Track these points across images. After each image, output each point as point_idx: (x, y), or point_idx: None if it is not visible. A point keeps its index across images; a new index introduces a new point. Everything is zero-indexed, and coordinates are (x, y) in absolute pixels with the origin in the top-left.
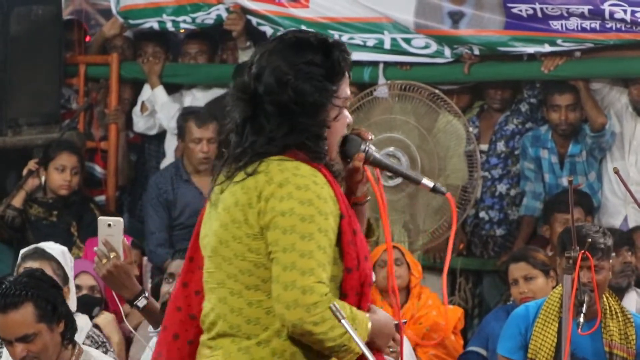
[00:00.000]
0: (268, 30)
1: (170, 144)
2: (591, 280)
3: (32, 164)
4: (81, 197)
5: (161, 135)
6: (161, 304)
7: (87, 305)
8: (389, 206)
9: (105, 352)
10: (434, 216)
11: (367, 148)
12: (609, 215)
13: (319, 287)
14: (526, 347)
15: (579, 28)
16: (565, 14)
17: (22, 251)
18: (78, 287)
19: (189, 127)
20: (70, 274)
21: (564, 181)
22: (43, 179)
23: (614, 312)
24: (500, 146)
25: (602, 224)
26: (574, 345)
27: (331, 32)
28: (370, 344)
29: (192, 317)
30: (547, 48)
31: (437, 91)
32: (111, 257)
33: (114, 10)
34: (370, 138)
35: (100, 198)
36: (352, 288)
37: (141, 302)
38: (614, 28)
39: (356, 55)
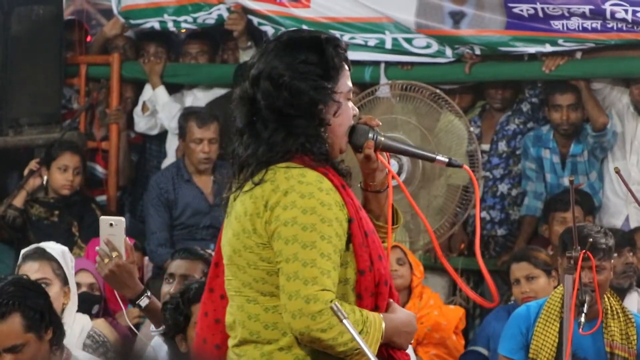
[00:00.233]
0: (269, 30)
1: (172, 144)
2: (592, 280)
3: (33, 164)
4: (82, 197)
5: (162, 135)
6: (162, 304)
7: (86, 302)
8: None
9: (106, 352)
10: (435, 216)
11: (375, 135)
12: (611, 215)
13: (323, 294)
14: (527, 347)
15: (580, 28)
16: (567, 14)
17: (23, 251)
18: (77, 285)
19: (189, 127)
20: (71, 274)
21: (566, 181)
22: (45, 178)
23: (615, 313)
24: (502, 146)
25: (604, 223)
26: (575, 346)
27: (332, 32)
28: (389, 343)
29: (217, 321)
30: (548, 48)
31: (438, 91)
32: (113, 256)
33: (115, 10)
34: (377, 124)
35: (102, 198)
36: (367, 289)
37: (143, 302)
38: (615, 28)
39: (357, 55)
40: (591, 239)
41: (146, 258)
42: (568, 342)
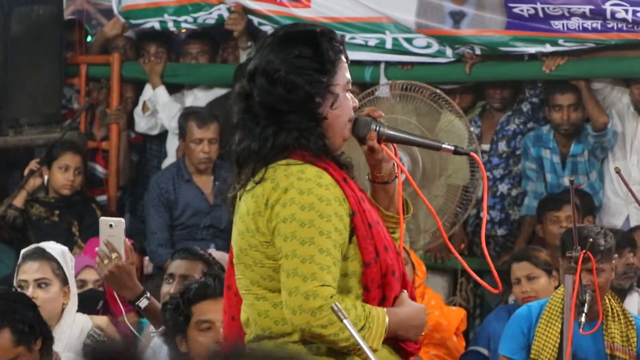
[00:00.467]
0: (269, 30)
1: (172, 144)
2: (592, 281)
3: (33, 164)
4: (83, 197)
5: (163, 135)
6: (162, 304)
7: (93, 298)
8: None
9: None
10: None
11: (377, 126)
12: (611, 215)
13: (323, 290)
14: (528, 347)
15: (581, 28)
16: (567, 14)
17: (23, 251)
18: (84, 282)
19: (189, 127)
20: (71, 273)
21: (566, 181)
22: (46, 178)
23: (615, 314)
24: (502, 146)
25: (604, 223)
26: (576, 347)
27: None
28: (396, 337)
29: (233, 318)
30: (548, 48)
31: (438, 91)
32: (113, 257)
33: (115, 10)
34: (380, 116)
35: (102, 198)
36: (373, 281)
37: (143, 303)
38: (615, 28)
39: (357, 55)
40: (591, 239)
41: (146, 258)
42: (568, 342)
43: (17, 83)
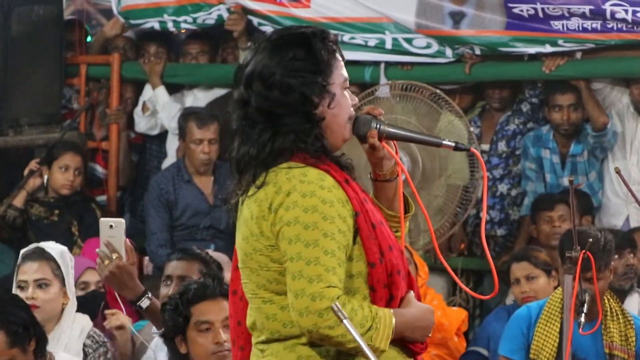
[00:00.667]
0: (269, 30)
1: (172, 144)
2: (591, 282)
3: (33, 164)
4: (82, 197)
5: (162, 135)
6: (161, 305)
7: (96, 299)
8: None
9: (106, 352)
10: (434, 216)
11: (378, 124)
12: (611, 215)
13: (329, 291)
14: (528, 347)
15: (580, 28)
16: (567, 14)
17: (22, 251)
18: (86, 284)
19: (189, 128)
20: (70, 273)
21: (565, 181)
22: (46, 178)
23: (614, 314)
24: (502, 146)
25: (604, 224)
26: (575, 347)
27: (332, 32)
28: (403, 338)
29: (239, 323)
30: (548, 48)
31: (438, 91)
32: (113, 258)
33: (115, 10)
34: (380, 113)
35: (102, 198)
36: (379, 281)
37: (144, 303)
38: (615, 28)
39: (357, 55)
40: (591, 239)
41: (146, 258)
42: (568, 342)
43: (17, 83)
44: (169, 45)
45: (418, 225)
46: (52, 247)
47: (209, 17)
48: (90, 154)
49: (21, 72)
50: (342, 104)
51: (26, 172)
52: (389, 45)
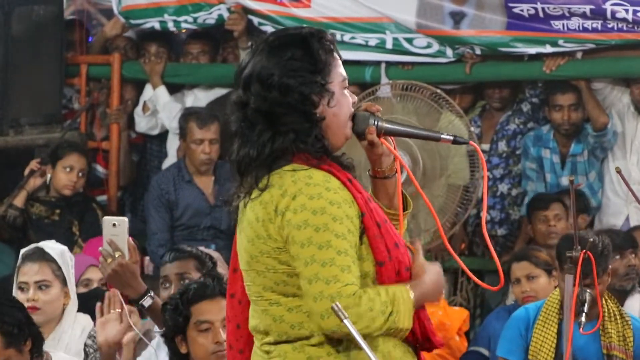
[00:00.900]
0: (270, 30)
1: (172, 144)
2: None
3: (33, 164)
4: (84, 197)
5: (163, 135)
6: (162, 305)
7: (99, 297)
8: None
9: None
10: None
11: (376, 121)
12: (611, 215)
13: (346, 289)
14: (526, 348)
15: (581, 28)
16: (567, 14)
17: (22, 251)
18: (89, 281)
19: (190, 128)
20: (71, 273)
21: (564, 181)
22: (49, 177)
23: (612, 315)
24: (502, 146)
25: (604, 223)
26: (573, 348)
27: (333, 31)
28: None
29: (238, 326)
30: (548, 49)
31: (439, 91)
32: (116, 256)
33: (115, 10)
34: (378, 110)
35: (102, 198)
36: (389, 279)
37: (146, 302)
38: (615, 28)
39: (358, 55)
40: (591, 239)
41: (147, 258)
42: (568, 343)
43: (17, 83)
44: (169, 45)
45: (418, 225)
46: (52, 247)
47: (209, 17)
48: (90, 154)
49: (22, 72)
50: (342, 102)
51: (27, 172)
52: (389, 45)
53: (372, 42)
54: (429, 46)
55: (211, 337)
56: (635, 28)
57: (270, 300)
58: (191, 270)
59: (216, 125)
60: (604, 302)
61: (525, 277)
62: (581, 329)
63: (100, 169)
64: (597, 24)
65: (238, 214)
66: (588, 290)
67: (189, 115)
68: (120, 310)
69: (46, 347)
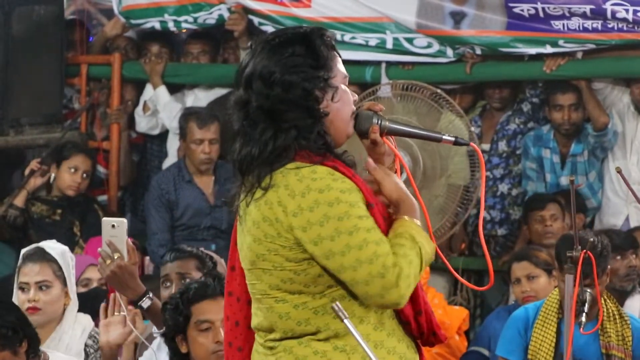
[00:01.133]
0: (270, 30)
1: (173, 143)
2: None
3: (34, 164)
4: (85, 197)
5: (163, 135)
6: (162, 305)
7: (98, 298)
8: None
9: None
10: (435, 216)
11: (379, 120)
12: (610, 215)
13: (387, 260)
14: (526, 348)
15: (581, 28)
16: (567, 14)
17: (23, 251)
18: (89, 280)
19: (190, 128)
20: (71, 273)
21: (564, 180)
22: (53, 176)
23: (611, 315)
24: (502, 146)
25: (604, 223)
26: (573, 347)
27: (333, 31)
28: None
29: (237, 324)
30: (548, 49)
31: (439, 91)
32: (115, 257)
33: (115, 10)
34: (380, 109)
35: (103, 198)
36: None
37: (145, 303)
38: (615, 28)
39: (358, 55)
40: (592, 239)
41: (147, 258)
42: (569, 343)
43: (17, 83)
44: (171, 45)
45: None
46: (53, 248)
47: (209, 17)
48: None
49: (22, 71)
50: (345, 98)
51: (27, 171)
52: (389, 45)
53: (373, 42)
54: (429, 46)
55: (211, 336)
56: (636, 28)
57: (277, 297)
58: (192, 270)
59: (216, 125)
60: (603, 302)
61: (525, 277)
62: (581, 328)
63: (100, 169)
64: (597, 24)
65: (241, 214)
66: (588, 290)
67: (188, 115)
68: (124, 314)
69: (46, 347)
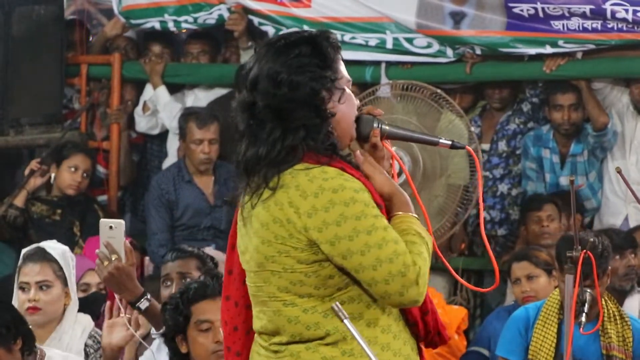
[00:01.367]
0: (270, 30)
1: (173, 143)
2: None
3: (34, 164)
4: (85, 197)
5: (163, 135)
6: (162, 305)
7: (96, 302)
8: None
9: None
10: (435, 216)
11: (379, 123)
12: (610, 214)
13: (406, 259)
14: (526, 348)
15: (581, 28)
16: (567, 14)
17: (24, 251)
18: (87, 285)
19: (189, 128)
20: (72, 273)
21: (562, 180)
22: (53, 176)
23: (612, 315)
24: (502, 146)
25: (603, 223)
26: (573, 348)
27: (333, 31)
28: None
29: (235, 329)
30: (548, 49)
31: (439, 91)
32: (113, 259)
33: (115, 10)
34: (380, 113)
35: (102, 198)
36: None
37: (143, 304)
38: (615, 28)
39: (358, 55)
40: (592, 239)
41: (147, 258)
42: (569, 343)
43: (18, 83)
44: (172, 46)
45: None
46: (54, 248)
47: (209, 17)
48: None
49: (22, 71)
50: (351, 100)
51: (27, 171)
52: (389, 45)
53: (372, 42)
54: (429, 46)
55: (212, 336)
56: (635, 28)
57: (285, 301)
58: (193, 269)
59: (215, 126)
60: (603, 302)
61: (525, 277)
62: (581, 329)
63: (100, 169)
64: (597, 24)
65: (241, 215)
66: (588, 291)
67: (188, 116)
68: (129, 316)
69: (46, 347)
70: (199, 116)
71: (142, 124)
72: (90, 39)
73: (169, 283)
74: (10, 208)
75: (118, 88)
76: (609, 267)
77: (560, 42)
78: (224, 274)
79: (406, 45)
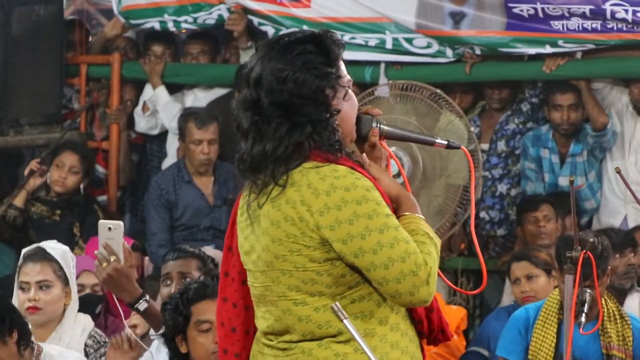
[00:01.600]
0: (269, 30)
1: (172, 144)
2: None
3: (33, 164)
4: (86, 197)
5: (163, 135)
6: (162, 305)
7: (91, 303)
8: None
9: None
10: (435, 216)
11: (378, 123)
12: (609, 214)
13: (417, 258)
14: (526, 348)
15: (580, 28)
16: (567, 14)
17: (24, 251)
18: (81, 286)
19: (189, 129)
20: (72, 273)
21: (561, 180)
22: (48, 176)
23: (612, 315)
24: (501, 146)
25: (602, 223)
26: (573, 348)
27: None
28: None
29: (234, 330)
30: (548, 49)
31: (438, 91)
32: (111, 260)
33: (115, 10)
34: (378, 113)
35: (102, 198)
36: None
37: (142, 306)
38: (615, 28)
39: (358, 55)
40: (592, 239)
41: (147, 258)
42: (569, 343)
43: (17, 83)
44: (174, 46)
45: None
46: (54, 248)
47: (209, 17)
48: (91, 154)
49: (22, 72)
50: (353, 100)
51: (26, 172)
52: (389, 45)
53: (372, 42)
54: (428, 46)
55: (211, 336)
56: (635, 28)
57: (296, 300)
58: (193, 269)
59: (215, 126)
60: (603, 302)
61: (525, 277)
62: (581, 329)
63: (100, 169)
64: (597, 24)
65: (244, 214)
66: (588, 291)
67: (187, 116)
68: (132, 337)
69: (46, 346)
70: (199, 116)
71: (142, 124)
72: (90, 39)
73: (169, 282)
74: (10, 208)
75: (118, 88)
76: (609, 267)
77: (560, 42)
78: (220, 275)
79: (406, 45)
